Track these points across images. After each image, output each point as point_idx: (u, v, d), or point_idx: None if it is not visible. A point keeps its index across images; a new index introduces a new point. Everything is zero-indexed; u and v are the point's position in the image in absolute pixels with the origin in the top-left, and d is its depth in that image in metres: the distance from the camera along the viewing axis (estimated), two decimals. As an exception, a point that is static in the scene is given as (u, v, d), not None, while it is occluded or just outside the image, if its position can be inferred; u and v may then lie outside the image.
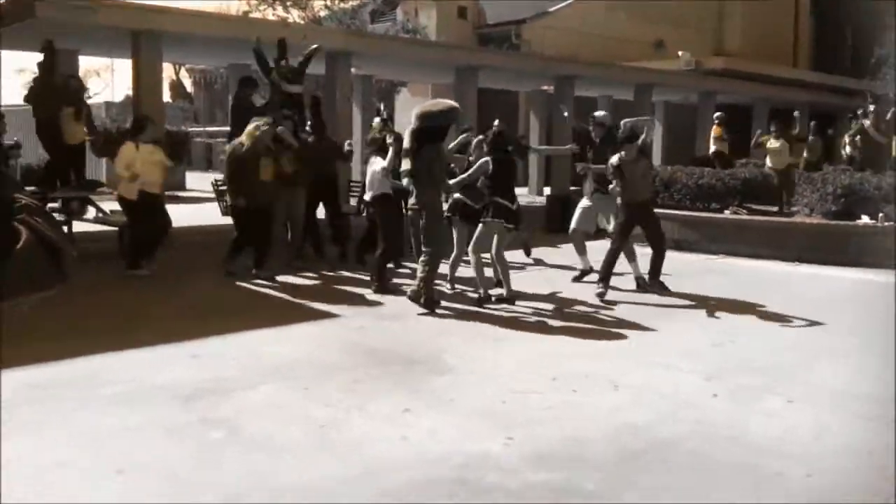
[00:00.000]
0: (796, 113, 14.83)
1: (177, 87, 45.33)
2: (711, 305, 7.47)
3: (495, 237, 7.28)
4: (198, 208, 14.95)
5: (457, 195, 7.51)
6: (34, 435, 4.08)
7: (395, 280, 8.26)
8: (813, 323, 6.86)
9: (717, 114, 13.59)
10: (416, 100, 23.37)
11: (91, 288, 7.93)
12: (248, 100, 9.39)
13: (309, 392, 4.84)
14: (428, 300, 6.92)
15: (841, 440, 4.19)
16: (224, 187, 8.96)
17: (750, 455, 3.94)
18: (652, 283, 7.87)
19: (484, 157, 7.38)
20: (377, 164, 7.89)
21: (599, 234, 8.74)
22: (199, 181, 20.22)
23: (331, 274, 8.79)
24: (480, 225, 7.34)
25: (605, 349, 5.97)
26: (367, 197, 8.21)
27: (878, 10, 26.80)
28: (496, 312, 7.05)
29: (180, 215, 11.87)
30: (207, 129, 32.94)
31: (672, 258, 10.35)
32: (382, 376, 5.17)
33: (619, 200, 7.74)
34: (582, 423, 4.37)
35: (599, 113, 9.14)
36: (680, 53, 23.21)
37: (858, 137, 14.83)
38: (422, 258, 7.07)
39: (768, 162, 12.51)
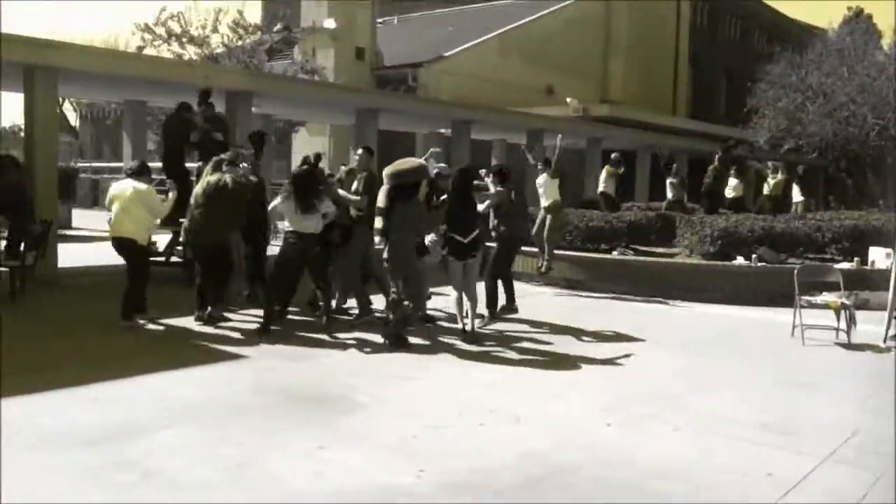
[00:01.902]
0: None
1: (59, 120, 43.64)
2: (602, 339, 7.95)
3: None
4: (87, 247, 14.54)
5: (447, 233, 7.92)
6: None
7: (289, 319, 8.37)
8: (695, 355, 7.44)
9: (613, 155, 14.35)
10: (313, 139, 23.56)
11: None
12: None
13: (221, 432, 4.90)
14: (402, 339, 7.39)
15: (722, 461, 4.62)
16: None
17: (642, 478, 4.31)
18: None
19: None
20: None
21: None
22: (86, 218, 19.63)
23: (234, 315, 8.77)
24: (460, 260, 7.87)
25: (506, 382, 6.29)
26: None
27: (750, 62, 29.08)
28: (399, 351, 7.25)
29: (68, 254, 11.59)
30: (93, 164, 31.86)
31: (564, 296, 10.93)
32: (294, 415, 5.29)
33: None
34: (488, 453, 4.64)
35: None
36: (568, 100, 24.34)
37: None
38: (402, 299, 7.39)
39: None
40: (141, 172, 8.12)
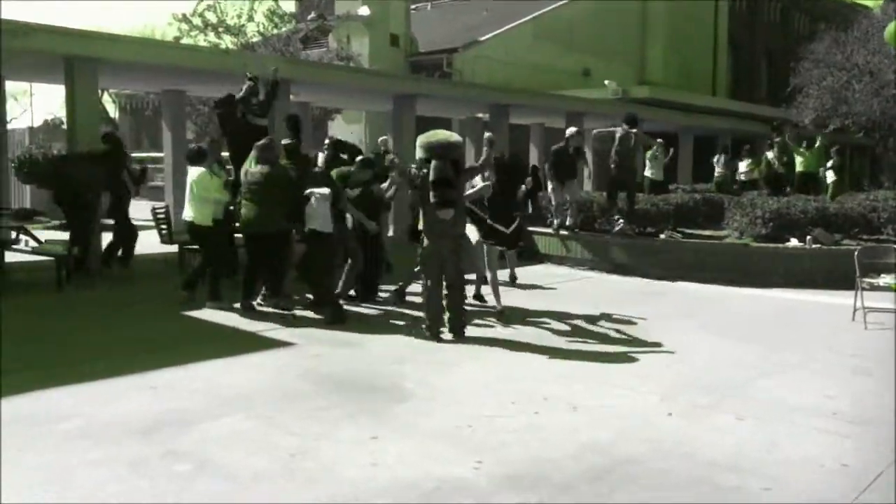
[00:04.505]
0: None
1: (100, 112, 44.16)
2: (655, 325, 7.74)
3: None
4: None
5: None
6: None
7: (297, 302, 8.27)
8: (753, 340, 7.20)
9: (658, 140, 14.08)
10: (350, 127, 23.49)
11: (36, 319, 7.72)
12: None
13: (272, 421, 4.82)
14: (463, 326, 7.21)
15: (792, 453, 4.41)
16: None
17: (710, 471, 4.12)
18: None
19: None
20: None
21: None
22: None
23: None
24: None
25: (558, 369, 6.12)
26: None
27: (791, 44, 28.36)
28: (447, 336, 7.13)
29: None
30: (134, 154, 32.14)
31: (612, 282, 10.71)
32: (344, 403, 5.19)
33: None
34: (546, 443, 4.48)
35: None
36: (606, 82, 23.94)
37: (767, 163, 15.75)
38: (459, 288, 7.17)
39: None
40: (195, 158, 8.13)
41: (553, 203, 11.89)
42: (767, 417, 5.00)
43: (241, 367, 6.08)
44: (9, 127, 30.17)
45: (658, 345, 6.94)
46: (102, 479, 3.93)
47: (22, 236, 9.50)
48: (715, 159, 16.50)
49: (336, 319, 7.55)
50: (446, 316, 7.19)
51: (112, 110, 43.64)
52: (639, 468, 4.16)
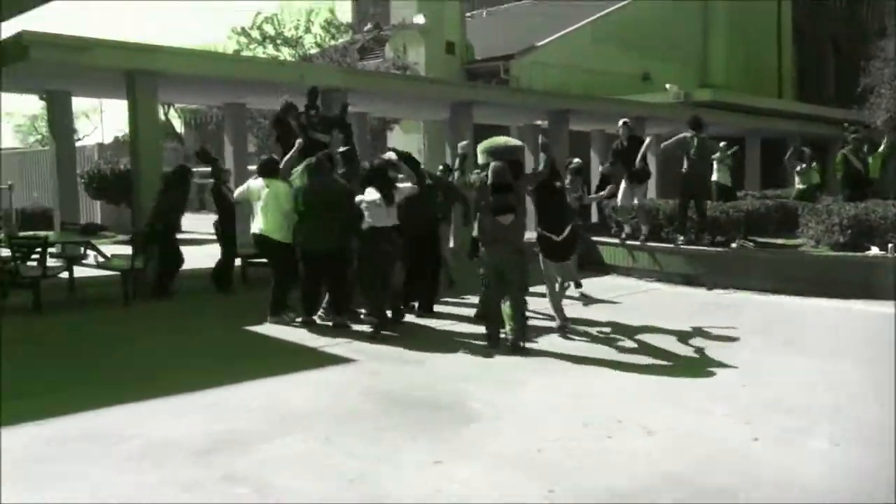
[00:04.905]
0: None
1: (166, 127, 45.20)
2: (729, 340, 7.33)
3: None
4: (193, 250, 14.73)
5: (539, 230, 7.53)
6: (48, 495, 3.86)
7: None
8: (838, 357, 6.74)
9: (721, 143, 13.56)
10: (408, 137, 23.41)
11: (97, 333, 7.74)
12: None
13: (332, 443, 4.64)
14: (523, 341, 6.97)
15: (897, 484, 4.02)
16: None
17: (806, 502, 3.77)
18: None
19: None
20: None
21: None
22: (192, 221, 20.00)
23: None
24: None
25: (632, 390, 5.79)
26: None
27: (858, 37, 27.25)
28: (512, 352, 6.87)
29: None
30: (198, 169, 32.72)
31: (681, 294, 10.29)
32: (406, 424, 4.97)
33: None
34: (623, 471, 4.18)
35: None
36: (667, 86, 23.39)
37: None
38: (518, 300, 6.95)
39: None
40: (269, 170, 8.01)
41: (619, 205, 11.56)
42: (868, 442, 4.60)
43: (300, 384, 5.93)
44: (79, 143, 31.11)
45: (732, 362, 6.54)
46: (158, 503, 3.80)
47: (89, 251, 9.59)
48: (797, 168, 15.62)
49: (375, 333, 7.38)
50: (508, 327, 6.96)
51: (178, 125, 44.64)
52: (729, 500, 3.83)
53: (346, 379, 6.09)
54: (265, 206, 7.87)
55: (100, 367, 6.46)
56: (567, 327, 7.67)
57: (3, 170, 22.66)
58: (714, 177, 13.41)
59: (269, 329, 7.79)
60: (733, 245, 11.03)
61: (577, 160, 11.00)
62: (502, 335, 7.03)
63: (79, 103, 48.89)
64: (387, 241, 7.43)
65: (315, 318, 7.91)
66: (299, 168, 7.98)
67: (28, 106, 46.10)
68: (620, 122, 11.31)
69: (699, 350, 7.02)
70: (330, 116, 9.40)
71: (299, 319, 7.86)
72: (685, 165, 10.92)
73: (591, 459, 4.36)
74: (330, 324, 7.82)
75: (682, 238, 11.08)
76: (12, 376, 6.00)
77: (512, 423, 4.99)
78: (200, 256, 11.02)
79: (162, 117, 44.10)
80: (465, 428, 4.90)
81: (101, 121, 46.31)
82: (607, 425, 4.92)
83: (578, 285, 9.49)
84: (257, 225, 7.99)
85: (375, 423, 5.00)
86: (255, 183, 8.09)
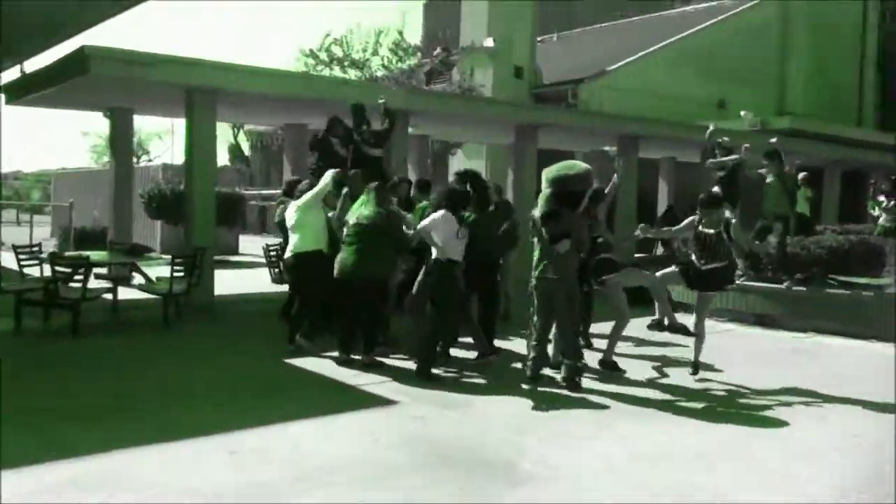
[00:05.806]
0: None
1: (234, 149, 46.02)
2: (817, 394, 6.56)
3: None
4: (245, 273, 14.52)
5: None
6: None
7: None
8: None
9: (803, 173, 12.74)
10: (471, 162, 22.98)
11: (125, 359, 7.42)
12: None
13: (365, 501, 4.12)
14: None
15: None
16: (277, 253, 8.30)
17: None
18: None
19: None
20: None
21: None
22: (252, 245, 19.95)
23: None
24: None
25: (709, 451, 5.09)
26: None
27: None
28: (574, 399, 6.26)
29: (225, 280, 11.47)
30: (262, 191, 33.02)
31: (756, 337, 9.49)
32: (447, 482, 4.41)
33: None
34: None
35: None
36: (742, 113, 22.41)
37: None
38: (571, 333, 6.71)
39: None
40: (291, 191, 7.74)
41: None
42: None
43: (332, 429, 5.40)
44: (148, 163, 31.63)
45: (817, 417, 5.79)
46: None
47: (134, 273, 9.37)
48: (883, 203, 14.57)
49: (420, 374, 6.89)
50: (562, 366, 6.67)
51: (246, 148, 45.41)
52: None
53: (385, 424, 5.49)
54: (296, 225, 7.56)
55: (119, 397, 6.07)
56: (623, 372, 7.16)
57: (70, 188, 23.11)
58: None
59: (311, 363, 7.31)
60: (812, 284, 10.17)
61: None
62: (547, 371, 6.79)
63: (153, 124, 50.38)
64: (461, 275, 7.05)
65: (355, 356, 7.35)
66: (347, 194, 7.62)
67: (104, 126, 47.52)
68: (743, 147, 10.76)
69: (776, 401, 6.31)
70: (380, 130, 8.98)
71: (335, 355, 7.36)
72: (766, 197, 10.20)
73: (658, 540, 3.73)
74: (359, 358, 7.28)
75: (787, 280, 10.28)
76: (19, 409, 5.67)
77: (570, 488, 4.37)
78: (253, 280, 10.73)
79: (231, 139, 45.01)
80: (516, 490, 4.32)
81: (173, 142, 47.48)
82: (686, 494, 4.28)
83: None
84: (290, 248, 7.66)
85: (413, 479, 4.44)
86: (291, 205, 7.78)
